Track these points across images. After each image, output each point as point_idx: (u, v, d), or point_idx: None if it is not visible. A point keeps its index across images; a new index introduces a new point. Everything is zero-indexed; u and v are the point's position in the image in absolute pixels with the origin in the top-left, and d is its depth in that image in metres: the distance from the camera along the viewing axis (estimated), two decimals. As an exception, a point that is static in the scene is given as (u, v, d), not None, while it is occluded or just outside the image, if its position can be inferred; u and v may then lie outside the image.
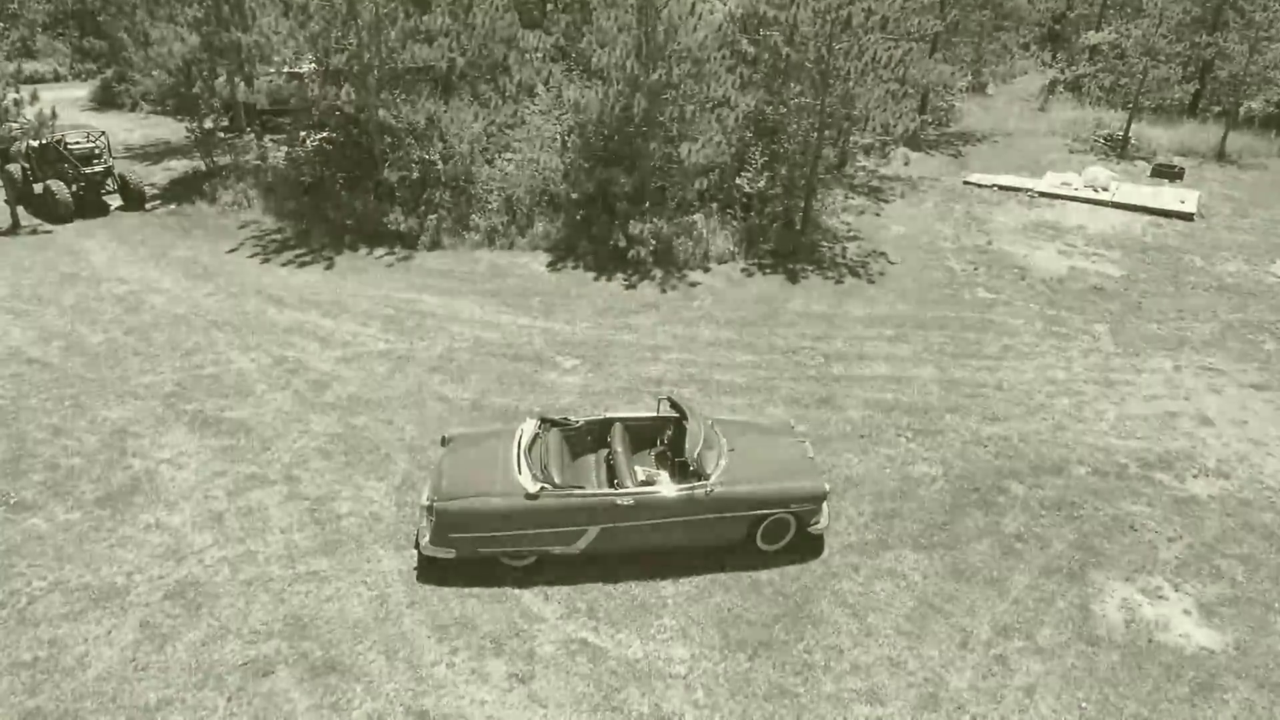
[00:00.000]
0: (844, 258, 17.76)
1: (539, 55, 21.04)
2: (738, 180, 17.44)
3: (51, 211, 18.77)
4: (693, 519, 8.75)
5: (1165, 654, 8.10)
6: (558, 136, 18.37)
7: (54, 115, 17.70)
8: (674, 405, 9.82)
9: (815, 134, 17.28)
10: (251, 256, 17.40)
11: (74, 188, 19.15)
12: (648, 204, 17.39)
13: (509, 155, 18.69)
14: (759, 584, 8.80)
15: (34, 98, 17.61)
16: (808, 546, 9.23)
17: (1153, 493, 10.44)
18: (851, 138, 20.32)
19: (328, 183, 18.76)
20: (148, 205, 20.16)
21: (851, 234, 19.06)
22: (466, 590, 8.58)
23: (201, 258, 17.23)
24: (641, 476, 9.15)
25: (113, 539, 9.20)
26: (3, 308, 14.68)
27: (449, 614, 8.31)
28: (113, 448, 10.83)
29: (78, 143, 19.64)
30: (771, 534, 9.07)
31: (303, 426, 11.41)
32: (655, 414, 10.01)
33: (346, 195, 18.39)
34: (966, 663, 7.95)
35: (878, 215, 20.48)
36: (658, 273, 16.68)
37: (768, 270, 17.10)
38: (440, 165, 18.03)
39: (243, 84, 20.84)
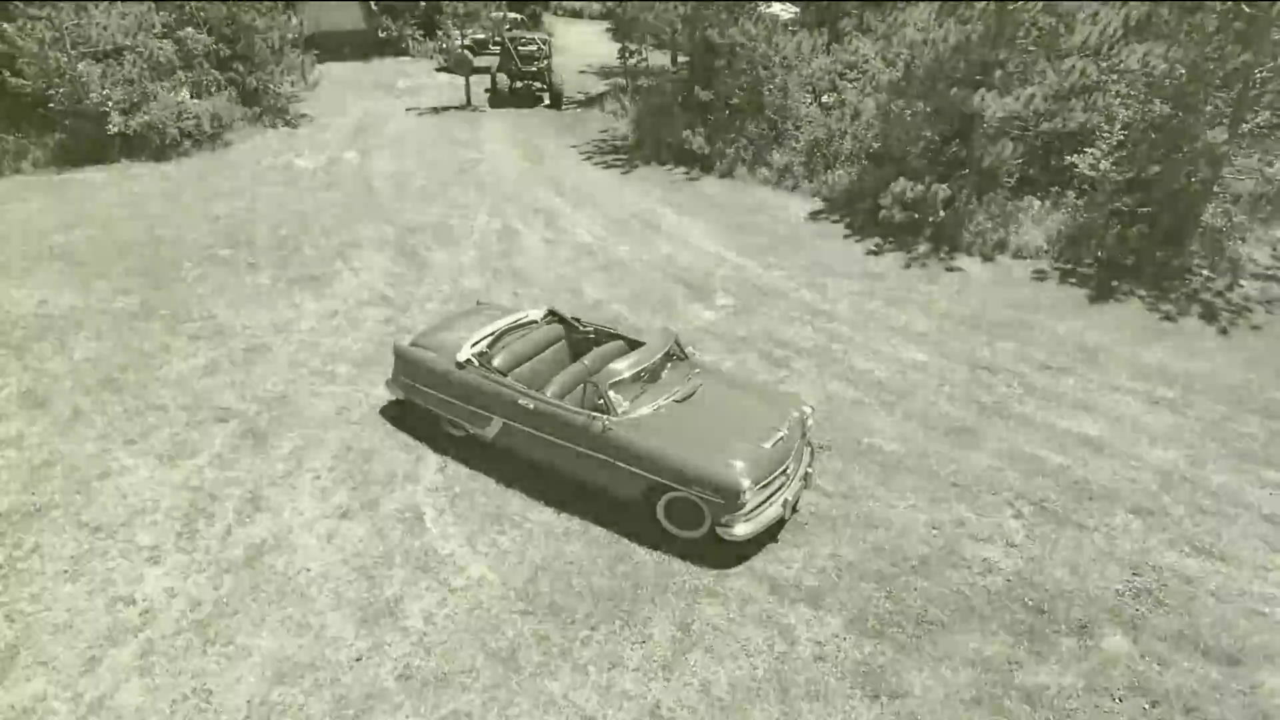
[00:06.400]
0: (1217, 292, 12.20)
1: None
2: (1071, 158, 13.04)
3: (493, 95, 23.33)
4: (585, 452, 7.52)
5: None
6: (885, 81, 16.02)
7: (505, 21, 21.73)
8: (676, 343, 8.43)
9: (1227, 107, 11.92)
10: (581, 154, 19.24)
11: (514, 83, 23.36)
12: (968, 170, 14.26)
13: (834, 95, 16.98)
14: (621, 558, 7.22)
15: (498, 6, 21.85)
16: (723, 553, 7.19)
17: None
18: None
19: (670, 101, 19.46)
20: (564, 105, 23.59)
21: (1271, 271, 12.90)
22: (401, 434, 8.83)
23: (548, 147, 19.65)
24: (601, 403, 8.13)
25: (268, 304, 11.65)
26: (389, 149, 18.94)
27: (365, 441, 8.69)
28: (339, 255, 13.45)
29: (526, 46, 23.75)
30: (680, 517, 7.29)
31: (456, 277, 12.64)
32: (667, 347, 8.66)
33: (680, 113, 18.91)
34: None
35: (1354, 261, 13.40)
36: (922, 247, 13.71)
37: (1073, 281, 12.70)
38: (765, 93, 17.30)
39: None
